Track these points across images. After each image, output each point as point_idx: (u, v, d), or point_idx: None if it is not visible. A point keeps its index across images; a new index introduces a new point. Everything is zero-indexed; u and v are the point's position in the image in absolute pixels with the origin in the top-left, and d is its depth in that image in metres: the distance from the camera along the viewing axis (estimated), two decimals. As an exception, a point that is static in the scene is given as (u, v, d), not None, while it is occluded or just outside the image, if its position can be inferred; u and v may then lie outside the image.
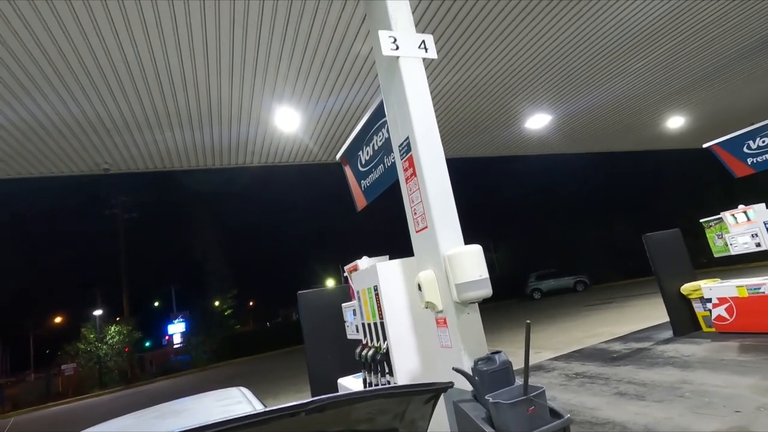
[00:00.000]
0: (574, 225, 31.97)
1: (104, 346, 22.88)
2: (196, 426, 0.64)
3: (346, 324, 4.73)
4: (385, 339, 3.46)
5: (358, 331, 4.17)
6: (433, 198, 2.92)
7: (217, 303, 29.57)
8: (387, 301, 3.44)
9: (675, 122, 10.23)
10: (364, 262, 4.48)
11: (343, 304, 4.85)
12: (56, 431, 12.21)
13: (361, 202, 4.61)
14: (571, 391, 5.40)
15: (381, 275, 3.48)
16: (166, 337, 31.69)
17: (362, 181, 4.50)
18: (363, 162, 4.43)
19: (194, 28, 4.20)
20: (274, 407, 0.71)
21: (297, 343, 23.03)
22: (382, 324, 3.49)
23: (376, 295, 3.55)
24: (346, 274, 5.27)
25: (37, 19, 3.76)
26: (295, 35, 4.57)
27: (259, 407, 2.31)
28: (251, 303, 46.07)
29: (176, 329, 29.91)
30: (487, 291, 2.69)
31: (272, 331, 31.82)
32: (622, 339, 8.20)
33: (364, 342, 3.93)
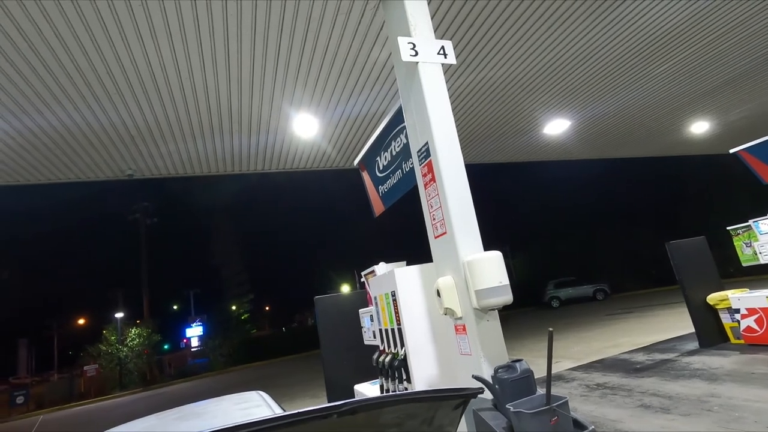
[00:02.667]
0: (595, 232, 31.34)
1: (125, 348, 23.36)
2: (231, 425, 0.65)
3: (363, 329, 4.72)
4: (402, 345, 3.44)
5: (375, 336, 4.16)
6: (453, 203, 2.90)
7: (234, 307, 29.92)
8: (405, 307, 3.43)
9: (699, 127, 9.98)
10: (381, 268, 4.47)
11: (360, 310, 4.85)
12: (82, 430, 12.47)
13: (378, 207, 4.62)
14: (593, 403, 5.26)
15: (399, 281, 3.47)
16: (184, 340, 32.16)
17: (380, 186, 4.51)
18: (381, 167, 4.44)
19: (217, 39, 4.30)
20: (308, 408, 0.71)
21: (312, 348, 23.10)
22: (399, 330, 3.47)
23: (394, 300, 3.54)
24: (363, 279, 5.28)
25: (70, 34, 3.90)
26: (315, 43, 4.63)
27: (278, 411, 2.32)
28: (267, 308, 46.48)
29: (194, 332, 30.34)
30: (507, 298, 2.66)
31: (288, 336, 31.99)
32: (645, 350, 7.96)
33: (382, 348, 3.92)
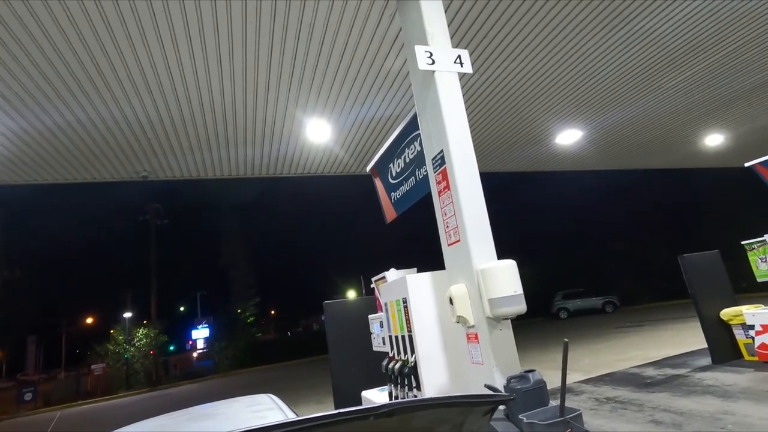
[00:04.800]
0: (605, 243, 31.04)
1: (132, 348, 23.52)
2: (271, 424, 0.66)
3: (372, 336, 4.71)
4: (413, 352, 3.43)
5: (384, 343, 4.15)
6: (467, 212, 2.90)
7: (240, 310, 30.02)
8: (416, 314, 3.42)
9: (714, 140, 9.88)
10: (392, 274, 4.48)
11: (370, 316, 4.85)
12: (89, 428, 12.55)
13: (390, 214, 4.64)
14: (602, 417, 5.18)
15: (410, 288, 3.47)
16: (190, 342, 32.30)
17: (392, 193, 4.53)
18: (394, 174, 4.46)
19: (235, 44, 4.37)
20: (347, 409, 0.72)
21: (317, 353, 23.05)
22: (410, 337, 3.46)
23: (405, 307, 3.54)
24: (373, 285, 5.28)
25: (93, 36, 4.00)
26: (331, 49, 4.69)
27: (290, 414, 2.32)
28: (273, 312, 46.56)
29: (200, 335, 30.46)
30: (521, 307, 2.65)
31: (293, 340, 31.98)
32: (656, 364, 7.84)
33: (391, 355, 3.90)
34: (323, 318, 6.30)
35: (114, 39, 4.09)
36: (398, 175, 4.37)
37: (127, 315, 26.07)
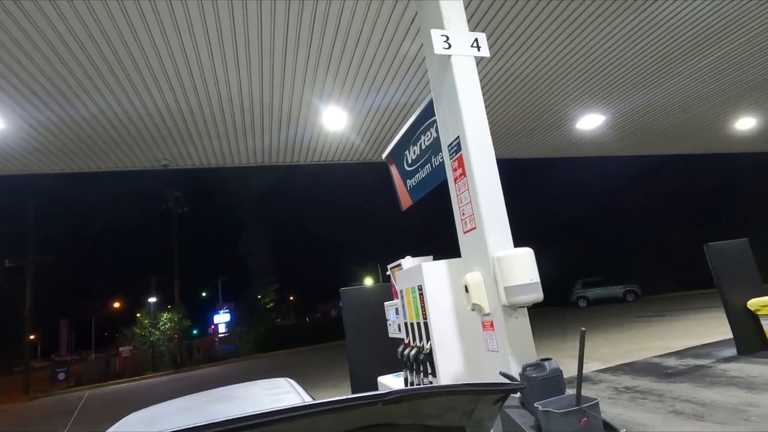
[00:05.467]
0: (627, 231, 30.32)
1: (157, 332, 24.34)
2: (287, 407, 0.68)
3: (388, 322, 4.75)
4: (428, 339, 3.45)
5: (400, 330, 4.18)
6: (483, 199, 2.87)
7: (259, 296, 30.64)
8: (431, 301, 3.43)
9: (745, 123, 9.46)
10: (407, 262, 4.48)
11: (386, 303, 4.88)
12: (117, 407, 13.12)
13: (406, 201, 4.62)
14: (621, 406, 5.13)
15: (426, 275, 3.47)
16: (212, 327, 33.23)
17: (408, 180, 4.51)
18: (409, 161, 4.43)
19: (251, 33, 4.37)
20: (357, 395, 0.74)
21: (334, 339, 23.42)
22: (425, 324, 3.48)
23: (420, 295, 3.54)
24: (389, 272, 5.30)
25: (113, 28, 4.06)
26: (346, 35, 4.64)
27: (306, 398, 2.37)
28: (292, 298, 47.38)
29: (221, 319, 31.30)
30: (537, 296, 2.62)
31: (311, 326, 32.57)
32: (679, 354, 7.69)
33: (407, 341, 3.93)
34: (341, 304, 6.37)
35: (133, 30, 4.14)
36: (414, 162, 4.34)
37: (152, 300, 26.93)
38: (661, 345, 8.92)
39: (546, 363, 2.41)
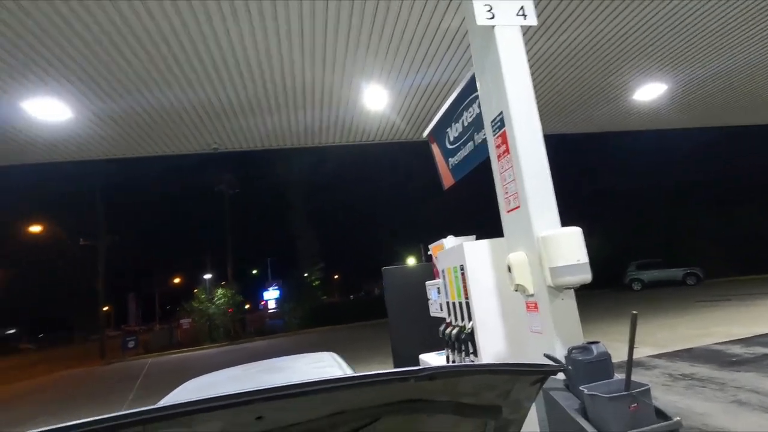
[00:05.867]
0: (687, 210, 28.20)
1: (213, 306, 25.93)
2: (327, 378, 0.71)
3: (430, 302, 4.77)
4: (470, 319, 3.43)
5: (441, 309, 4.19)
6: (528, 176, 2.76)
7: (306, 275, 31.70)
8: (473, 281, 3.39)
9: (835, 88, 8.37)
10: (449, 241, 4.44)
11: (427, 282, 4.89)
12: (179, 373, 14.25)
13: (448, 180, 4.54)
14: (676, 393, 4.89)
15: (468, 255, 3.43)
16: (262, 303, 34.93)
17: (450, 158, 4.42)
18: (451, 139, 4.33)
19: (292, 14, 4.38)
20: (391, 370, 0.75)
21: (377, 317, 23.89)
22: (467, 304, 3.45)
23: (462, 274, 3.51)
24: (430, 252, 5.29)
25: (166, 22, 4.21)
26: (386, 12, 4.54)
27: (349, 372, 2.45)
28: (336, 276, 48.70)
29: (271, 296, 32.79)
30: (585, 277, 2.51)
31: (355, 304, 33.38)
32: (744, 342, 7.16)
33: (448, 320, 3.94)
34: (383, 283, 6.46)
35: (182, 19, 4.27)
36: (456, 140, 4.24)
37: (208, 276, 28.69)
38: (724, 331, 8.34)
39: (593, 346, 2.33)
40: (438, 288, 4.29)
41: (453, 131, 4.34)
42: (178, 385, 2.61)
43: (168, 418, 0.67)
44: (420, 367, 0.79)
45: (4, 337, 46.66)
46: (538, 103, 2.95)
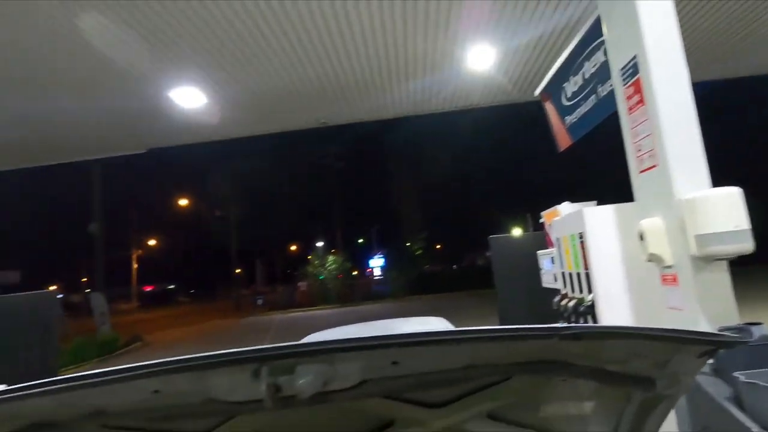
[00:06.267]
0: None
1: (325, 271, 28.18)
2: (465, 329, 0.70)
3: (542, 272, 4.51)
4: (589, 291, 3.16)
5: (556, 280, 3.94)
6: (668, 129, 2.37)
7: (409, 244, 32.43)
8: (594, 250, 3.10)
9: None
10: (565, 208, 4.11)
11: (539, 252, 4.62)
12: (300, 329, 15.99)
13: (564, 141, 4.15)
14: None
15: (588, 222, 3.13)
16: (368, 270, 36.83)
17: (567, 117, 4.01)
18: (569, 95, 3.91)
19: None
20: (532, 326, 0.71)
21: (480, 288, 23.51)
22: (586, 275, 3.18)
23: (581, 243, 3.23)
24: (542, 220, 4.97)
25: (282, 11, 4.46)
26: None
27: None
28: (438, 246, 48.94)
29: (376, 263, 34.41)
30: (744, 246, 2.11)
31: (457, 273, 33.29)
32: None
33: (564, 292, 3.69)
34: (488, 254, 6.28)
35: (296, 7, 4.47)
36: (574, 95, 3.81)
37: (320, 244, 31.20)
38: None
39: (754, 328, 1.96)
40: (552, 257, 4.02)
41: (571, 86, 3.91)
42: (303, 336, 2.90)
43: (315, 353, 0.73)
44: (566, 325, 0.73)
45: (167, 291, 58.18)
46: (684, 42, 2.48)
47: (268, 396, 0.73)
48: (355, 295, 28.40)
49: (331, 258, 28.85)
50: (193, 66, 5.60)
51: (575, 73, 3.75)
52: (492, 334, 0.72)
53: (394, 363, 0.79)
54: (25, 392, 0.70)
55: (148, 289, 55.74)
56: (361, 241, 45.87)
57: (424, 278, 29.54)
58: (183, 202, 34.48)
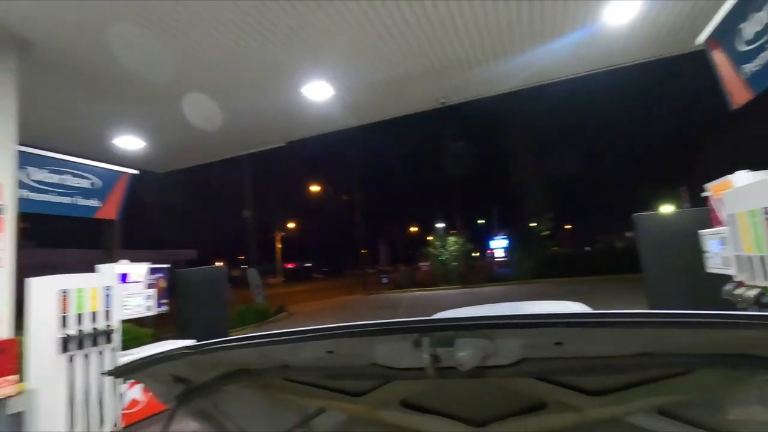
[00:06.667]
0: None
1: (446, 252, 28.27)
2: (639, 311, 0.64)
3: (708, 255, 3.84)
4: (779, 278, 2.59)
5: (728, 264, 3.31)
6: None
7: (534, 224, 30.47)
8: (787, 228, 2.51)
9: None
10: (741, 177, 3.41)
11: (703, 231, 3.93)
12: (424, 308, 16.49)
13: (740, 95, 3.39)
14: None
15: (778, 193, 2.54)
16: (489, 251, 35.78)
17: (745, 65, 3.26)
18: (748, 38, 3.17)
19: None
20: (727, 312, 0.61)
21: (619, 272, 20.94)
22: (775, 258, 2.60)
23: (766, 220, 2.64)
24: (707, 193, 4.22)
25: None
26: None
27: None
28: (567, 226, 44.95)
29: (498, 245, 33.25)
30: None
31: (590, 256, 30.15)
32: None
33: (739, 279, 3.09)
34: (633, 234, 5.61)
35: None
36: (757, 37, 3.07)
37: (440, 225, 31.44)
38: None
39: None
40: (722, 238, 3.39)
41: (750, 26, 3.16)
42: (432, 314, 2.97)
43: (475, 328, 0.75)
44: (763, 313, 0.60)
45: (305, 268, 66.50)
46: None
47: (431, 365, 0.77)
48: (477, 276, 27.95)
49: (451, 239, 28.79)
50: (322, 61, 6.04)
51: (758, 9, 3.01)
52: (673, 319, 0.63)
53: (558, 344, 0.76)
54: (234, 344, 0.86)
55: (289, 266, 63.69)
56: (481, 221, 44.78)
57: (552, 260, 27.53)
58: (315, 188, 37.98)
